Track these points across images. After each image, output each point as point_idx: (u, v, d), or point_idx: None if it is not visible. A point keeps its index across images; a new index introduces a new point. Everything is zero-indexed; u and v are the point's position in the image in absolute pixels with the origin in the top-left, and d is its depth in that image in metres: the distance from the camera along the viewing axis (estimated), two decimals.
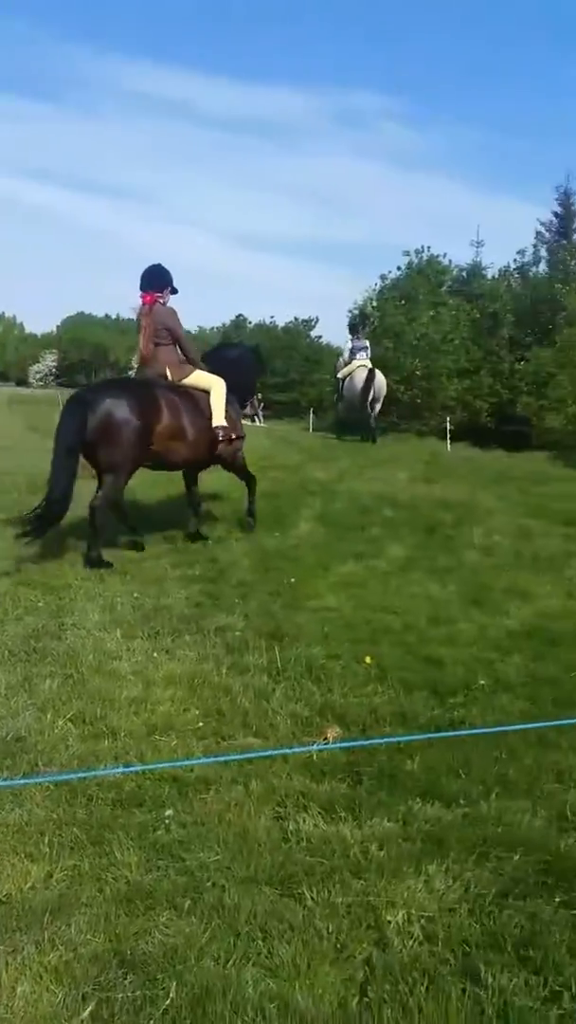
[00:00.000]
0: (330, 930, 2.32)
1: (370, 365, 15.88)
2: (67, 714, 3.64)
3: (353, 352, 16.54)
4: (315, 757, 3.26)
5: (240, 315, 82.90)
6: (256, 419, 22.55)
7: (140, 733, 3.49)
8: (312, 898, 2.46)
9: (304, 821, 2.86)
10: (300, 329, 58.44)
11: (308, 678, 4.08)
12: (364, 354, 16.41)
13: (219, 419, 6.72)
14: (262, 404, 46.80)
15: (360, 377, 15.39)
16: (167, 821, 2.85)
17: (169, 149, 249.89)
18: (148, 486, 9.36)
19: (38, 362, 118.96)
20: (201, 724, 3.58)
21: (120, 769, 3.14)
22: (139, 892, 2.49)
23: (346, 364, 16.49)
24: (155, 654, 4.42)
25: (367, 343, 17.00)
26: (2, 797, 2.96)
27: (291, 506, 8.21)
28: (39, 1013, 2.05)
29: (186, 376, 6.74)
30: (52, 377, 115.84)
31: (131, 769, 3.13)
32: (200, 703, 3.79)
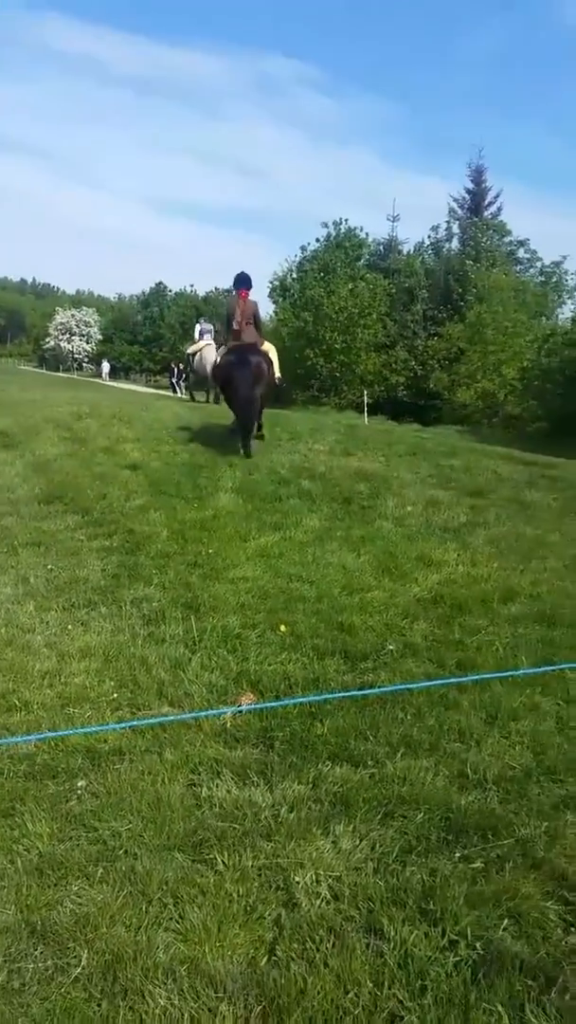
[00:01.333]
0: (240, 893, 2.39)
1: (215, 345, 18.83)
2: None
3: (201, 333, 20.15)
4: (229, 724, 3.32)
5: (160, 283, 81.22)
6: (178, 389, 22.73)
7: (54, 705, 3.47)
8: (223, 862, 2.52)
9: (217, 787, 2.92)
10: (221, 299, 57.55)
11: (224, 647, 4.12)
12: (209, 336, 19.81)
13: (278, 373, 10.27)
14: (184, 374, 46.27)
15: (209, 358, 17.96)
16: (80, 792, 2.86)
17: (81, 108, 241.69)
18: (67, 457, 9.18)
19: None
20: (116, 695, 3.58)
21: (32, 737, 3.12)
22: (51, 863, 2.51)
23: (194, 343, 20.13)
24: (70, 626, 4.37)
25: (211, 326, 20.70)
26: None
27: (210, 477, 8.17)
28: None
29: (260, 345, 9.85)
30: None
31: (42, 737, 3.11)
32: (115, 674, 3.79)
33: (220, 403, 18.23)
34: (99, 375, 67.78)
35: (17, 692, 3.56)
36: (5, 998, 2.03)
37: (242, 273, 10.05)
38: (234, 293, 10.13)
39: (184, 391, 21.97)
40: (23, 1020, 1.97)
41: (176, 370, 49.18)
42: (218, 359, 10.45)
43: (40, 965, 2.14)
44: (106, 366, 68.75)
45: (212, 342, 19.33)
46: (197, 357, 19.66)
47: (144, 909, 2.33)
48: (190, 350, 20.15)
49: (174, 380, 49.14)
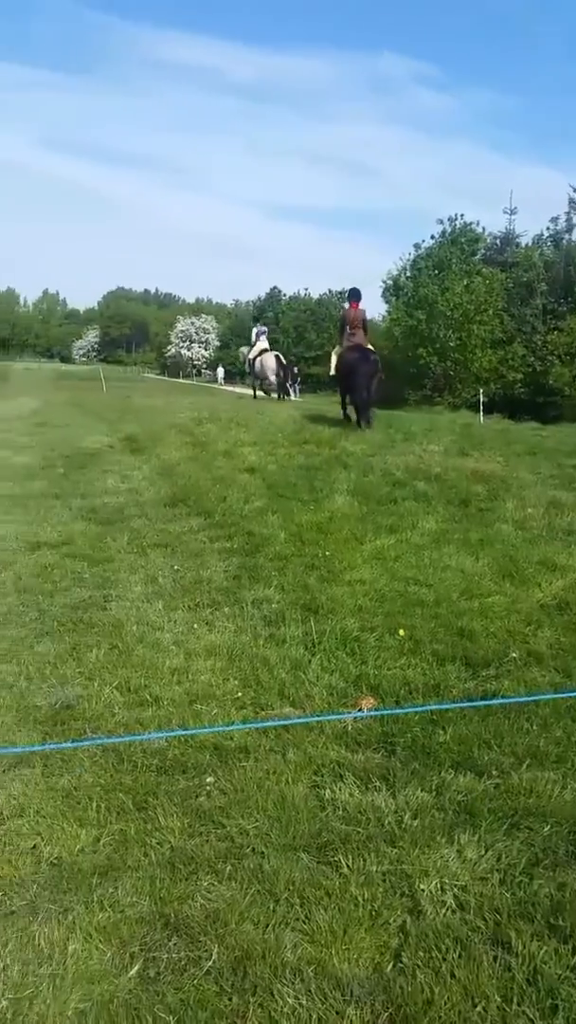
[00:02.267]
0: (365, 897, 2.41)
1: (269, 348, 22.82)
2: (113, 682, 3.78)
3: (257, 335, 23.47)
4: (350, 727, 3.34)
5: (275, 287, 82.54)
6: (293, 392, 23.67)
7: (182, 701, 3.60)
8: (348, 866, 2.55)
9: (340, 790, 2.94)
10: (335, 301, 57.58)
11: (343, 650, 4.15)
12: (263, 337, 23.26)
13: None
14: (298, 377, 46.60)
15: (270, 364, 21.99)
16: (208, 788, 2.95)
17: (198, 119, 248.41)
18: (189, 461, 9.46)
19: (81, 338, 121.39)
20: (240, 694, 3.67)
21: (163, 734, 3.25)
22: (182, 857, 2.60)
23: (252, 346, 23.32)
24: (195, 625, 4.52)
25: (266, 328, 25.06)
26: (53, 762, 3.09)
27: (325, 479, 8.23)
28: (89, 970, 2.17)
29: (366, 345, 12.45)
30: (94, 352, 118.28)
31: (172, 734, 3.24)
32: (239, 673, 3.89)
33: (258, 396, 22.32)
34: (214, 380, 69.50)
35: (149, 688, 3.72)
36: (143, 985, 2.12)
37: (354, 288, 13.08)
38: (347, 305, 13.28)
39: (297, 393, 23.64)
40: (159, 1007, 2.06)
41: (289, 373, 49.53)
42: (333, 357, 13.21)
43: (174, 956, 2.22)
44: (220, 371, 70.50)
45: (267, 345, 22.98)
46: (258, 361, 22.43)
47: (271, 908, 2.38)
48: (251, 355, 23.15)
49: (288, 383, 49.60)
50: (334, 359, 13.21)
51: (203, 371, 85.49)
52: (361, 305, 12.85)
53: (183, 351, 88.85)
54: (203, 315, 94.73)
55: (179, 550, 6.07)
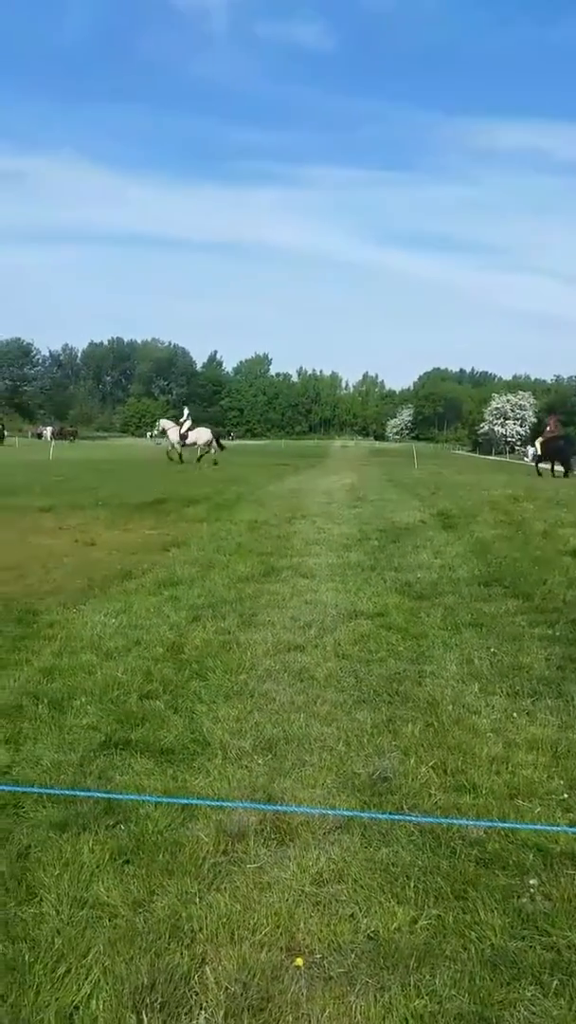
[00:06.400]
0: None
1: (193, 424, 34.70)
2: (429, 761, 3.72)
3: (187, 417, 34.31)
4: None
5: None
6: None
7: (502, 794, 3.43)
8: None
9: None
10: None
11: None
12: (190, 419, 34.47)
13: None
14: None
15: (205, 436, 33.15)
16: (532, 891, 2.76)
17: (523, 200, 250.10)
18: (504, 540, 9.27)
19: (395, 417, 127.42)
20: (566, 795, 3.41)
21: (483, 823, 3.12)
22: (503, 959, 2.45)
23: (182, 423, 33.77)
24: (515, 714, 4.33)
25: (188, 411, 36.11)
26: (371, 833, 3.11)
27: None
28: None
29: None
30: (407, 431, 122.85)
31: (492, 824, 3.10)
32: (565, 773, 3.62)
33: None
34: (524, 457, 67.91)
35: (466, 773, 3.61)
36: None
37: (553, 411, 31.97)
38: (548, 418, 30.21)
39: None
40: None
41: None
42: (536, 448, 28.84)
43: None
44: (531, 449, 68.75)
45: (191, 423, 33.90)
46: (193, 432, 33.08)
47: None
48: (183, 430, 33.08)
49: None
50: (538, 444, 28.20)
51: (517, 448, 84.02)
52: None
53: (496, 428, 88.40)
54: (520, 392, 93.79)
55: (495, 632, 5.90)
